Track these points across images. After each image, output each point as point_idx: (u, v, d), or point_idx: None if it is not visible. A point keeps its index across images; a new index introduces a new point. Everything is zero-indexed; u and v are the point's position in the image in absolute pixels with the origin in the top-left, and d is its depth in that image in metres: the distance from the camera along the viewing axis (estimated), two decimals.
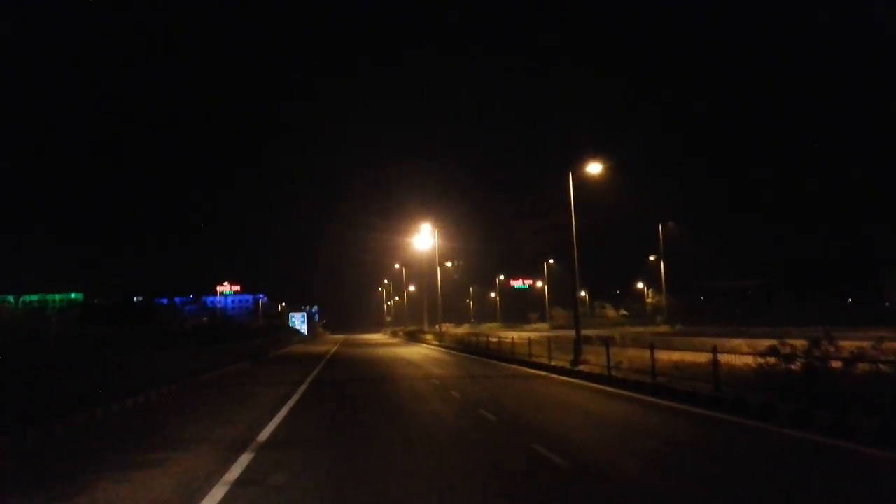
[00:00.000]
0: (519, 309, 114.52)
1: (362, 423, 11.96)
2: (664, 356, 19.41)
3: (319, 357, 37.66)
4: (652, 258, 70.76)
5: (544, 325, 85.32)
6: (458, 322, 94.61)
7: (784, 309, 60.41)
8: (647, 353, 20.32)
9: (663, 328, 56.77)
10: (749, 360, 15.04)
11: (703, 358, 18.22)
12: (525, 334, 48.68)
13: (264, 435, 10.73)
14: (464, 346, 41.38)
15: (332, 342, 71.55)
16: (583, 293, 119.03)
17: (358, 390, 18.64)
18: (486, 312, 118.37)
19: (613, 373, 18.54)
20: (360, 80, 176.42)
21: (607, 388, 16.94)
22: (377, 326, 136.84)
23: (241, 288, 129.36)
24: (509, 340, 32.09)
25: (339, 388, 19.81)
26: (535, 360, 25.23)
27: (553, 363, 23.19)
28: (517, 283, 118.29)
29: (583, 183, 24.04)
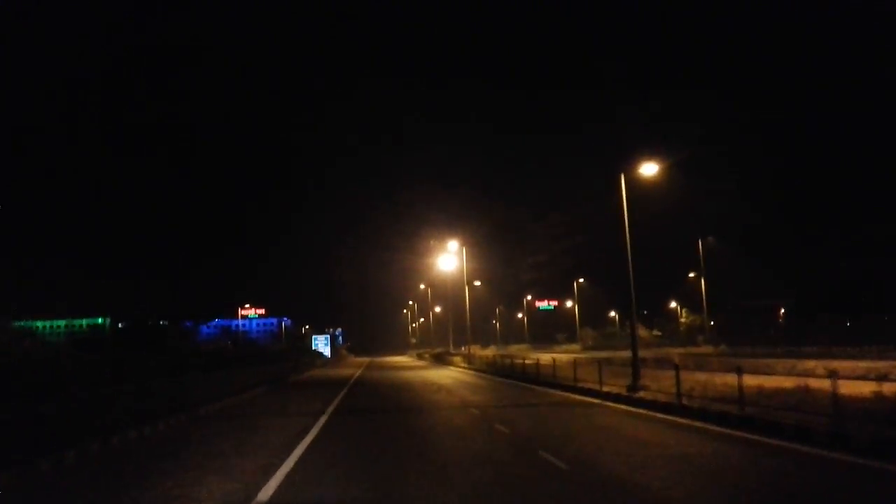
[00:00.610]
0: (545, 330, 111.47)
1: (396, 475, 9.28)
2: (736, 381, 16.64)
3: (343, 382, 35.06)
4: (692, 275, 67.20)
5: (575, 347, 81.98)
6: (484, 343, 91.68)
7: (825, 329, 56.64)
8: (719, 378, 17.55)
9: (706, 349, 53.40)
10: (870, 386, 12.30)
11: (788, 383, 15.46)
12: (560, 356, 45.79)
13: (266, 493, 8.15)
14: (496, 369, 38.60)
15: (356, 365, 68.97)
16: (612, 313, 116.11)
17: (386, 424, 15.99)
18: (510, 334, 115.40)
19: (685, 401, 15.76)
20: (383, 102, 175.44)
21: (684, 421, 14.13)
22: (402, 349, 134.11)
23: (265, 311, 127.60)
24: (548, 363, 29.29)
25: (364, 420, 17.19)
26: (581, 384, 22.42)
27: (605, 389, 20.40)
28: (542, 304, 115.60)
29: (611, 203, 21.51)
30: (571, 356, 43.87)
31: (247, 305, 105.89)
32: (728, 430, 12.46)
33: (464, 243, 52.06)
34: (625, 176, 20.96)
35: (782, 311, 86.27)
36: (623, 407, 17.33)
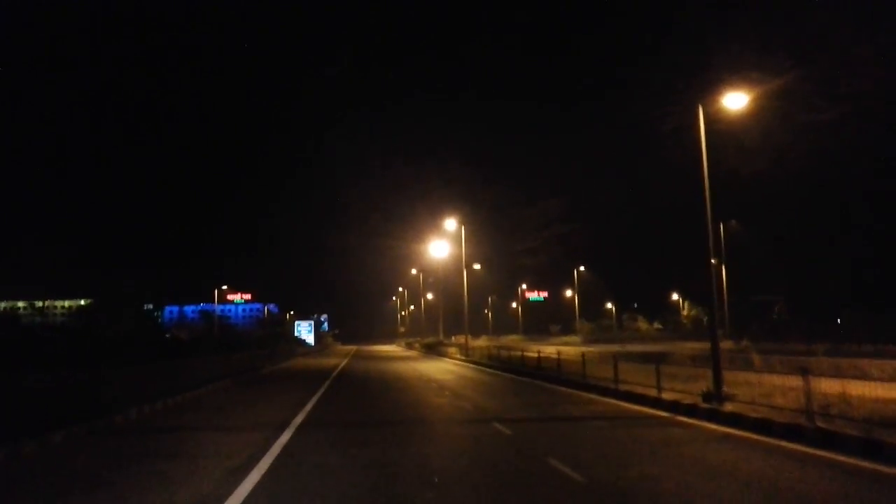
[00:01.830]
0: (536, 322, 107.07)
1: None
2: (847, 389, 11.68)
3: (324, 375, 29.79)
4: (713, 262, 62.02)
5: (575, 339, 76.99)
6: (475, 334, 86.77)
7: (862, 325, 52.07)
8: (822, 385, 12.54)
9: (726, 344, 48.37)
10: None
11: None
12: (565, 348, 40.73)
13: None
14: (500, 363, 33.44)
15: (341, 354, 63.71)
16: (609, 305, 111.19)
17: (377, 451, 10.66)
18: (500, 325, 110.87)
19: (821, 423, 10.63)
20: (372, 82, 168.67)
21: (844, 459, 8.98)
22: (390, 337, 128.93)
23: (251, 297, 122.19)
24: (573, 358, 24.17)
25: (344, 442, 11.83)
26: (624, 388, 17.28)
27: (664, 396, 15.27)
28: (532, 296, 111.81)
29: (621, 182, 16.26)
30: (574, 349, 38.88)
31: (224, 287, 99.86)
32: None
33: (462, 221, 46.71)
34: (703, 108, 15.76)
35: (776, 307, 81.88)
36: (715, 427, 12.17)
